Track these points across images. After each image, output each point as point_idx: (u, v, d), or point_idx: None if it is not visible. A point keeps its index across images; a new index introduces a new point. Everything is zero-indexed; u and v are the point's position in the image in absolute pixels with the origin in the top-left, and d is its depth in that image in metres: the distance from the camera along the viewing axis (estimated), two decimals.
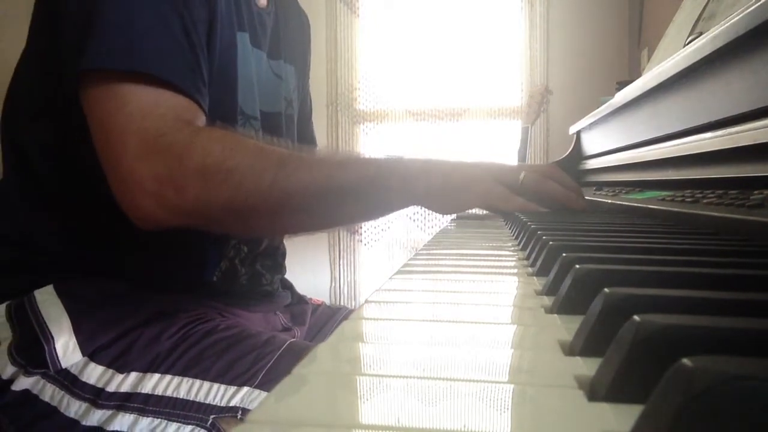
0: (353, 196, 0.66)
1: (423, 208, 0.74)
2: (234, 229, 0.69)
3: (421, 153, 0.74)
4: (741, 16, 0.55)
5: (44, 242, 0.73)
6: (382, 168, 0.68)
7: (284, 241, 0.95)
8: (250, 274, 0.85)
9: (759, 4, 0.51)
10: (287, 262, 0.97)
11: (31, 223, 0.73)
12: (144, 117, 0.61)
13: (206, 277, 0.79)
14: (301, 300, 0.98)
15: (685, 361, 0.14)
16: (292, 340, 0.72)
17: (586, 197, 1.11)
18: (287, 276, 1.00)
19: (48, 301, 0.68)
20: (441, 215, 1.05)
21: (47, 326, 0.67)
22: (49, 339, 0.66)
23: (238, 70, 0.76)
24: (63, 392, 0.66)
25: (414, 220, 3.03)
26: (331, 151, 0.76)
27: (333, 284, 3.06)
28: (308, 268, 2.97)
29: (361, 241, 3.06)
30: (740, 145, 0.57)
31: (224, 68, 0.73)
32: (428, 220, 3.02)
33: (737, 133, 0.58)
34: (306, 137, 1.07)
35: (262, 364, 0.66)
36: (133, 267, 0.74)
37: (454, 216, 0.91)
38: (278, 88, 0.89)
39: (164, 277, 0.76)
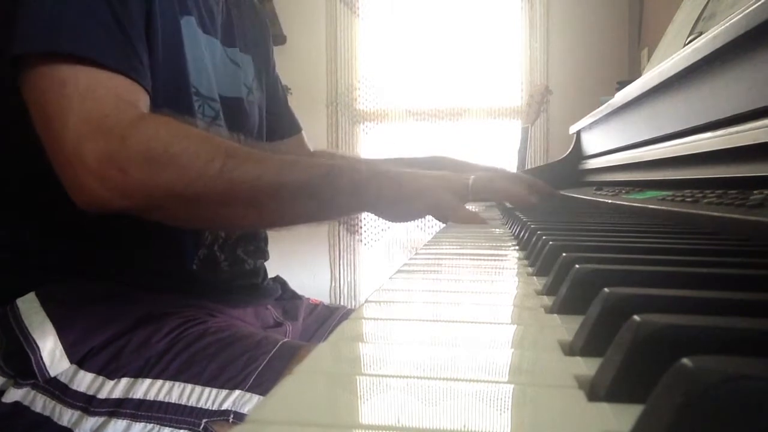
0: (302, 195, 0.65)
1: (373, 214, 0.74)
2: (179, 217, 0.68)
3: (409, 151, 0.72)
4: (741, 16, 0.55)
5: (20, 244, 0.72)
6: (333, 169, 0.67)
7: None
8: (231, 260, 0.84)
9: (759, 4, 0.51)
10: (286, 260, 0.97)
11: (4, 226, 0.73)
12: (83, 98, 0.61)
13: (186, 267, 0.78)
14: (293, 295, 0.98)
15: (685, 361, 0.14)
16: (285, 340, 0.71)
17: (586, 197, 1.11)
18: (284, 274, 1.00)
19: (30, 309, 0.68)
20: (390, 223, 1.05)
21: (31, 335, 0.66)
22: (35, 348, 0.65)
23: (185, 52, 0.75)
24: (54, 402, 0.65)
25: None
26: (281, 150, 0.75)
27: (333, 284, 3.06)
28: (308, 268, 2.97)
29: (361, 241, 3.06)
30: (740, 145, 0.57)
31: (171, 51, 0.73)
32: (428, 220, 3.01)
33: (737, 133, 0.58)
34: (286, 121, 1.07)
35: (254, 367, 0.66)
36: (110, 261, 0.74)
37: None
38: (236, 74, 0.88)
39: (143, 269, 0.75)
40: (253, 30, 0.96)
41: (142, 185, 0.61)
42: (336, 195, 0.67)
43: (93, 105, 0.61)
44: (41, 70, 0.61)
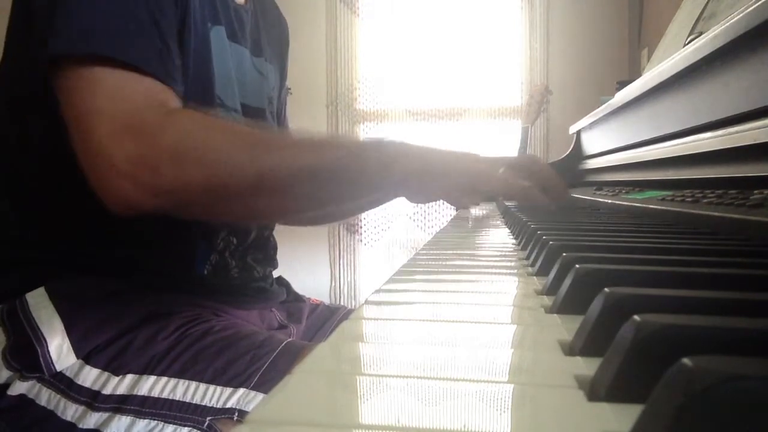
0: (330, 177, 0.65)
1: (400, 195, 0.73)
2: (211, 212, 0.68)
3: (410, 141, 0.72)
4: (741, 16, 0.55)
5: (33, 241, 0.73)
6: (359, 149, 0.67)
7: (274, 234, 0.95)
8: (241, 267, 0.85)
9: (759, 4, 0.51)
10: (287, 260, 0.96)
11: (18, 222, 0.73)
12: (113, 98, 0.61)
13: (197, 271, 0.78)
14: (297, 298, 0.98)
15: (685, 361, 0.14)
16: (289, 340, 0.72)
17: (586, 197, 1.11)
18: (285, 274, 1.00)
19: (39, 304, 0.68)
20: (420, 203, 1.03)
21: (39, 329, 0.66)
22: (42, 342, 0.66)
23: (213, 63, 0.75)
24: (59, 396, 0.65)
25: (414, 220, 3.03)
26: (308, 132, 0.73)
27: (333, 284, 3.06)
28: (308, 268, 2.97)
29: (361, 241, 3.06)
30: (740, 145, 0.57)
31: (200, 61, 0.73)
32: (428, 220, 3.02)
33: (737, 133, 0.58)
34: None
35: (258, 366, 0.66)
36: (123, 262, 0.74)
37: (453, 213, 0.91)
38: (262, 85, 0.88)
39: (154, 271, 0.75)
40: (275, 35, 0.96)
41: (174, 184, 0.61)
42: (363, 174, 0.67)
43: (121, 105, 0.61)
44: (74, 70, 0.61)
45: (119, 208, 0.62)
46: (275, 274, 0.98)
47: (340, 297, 3.05)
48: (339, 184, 0.67)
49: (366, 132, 3.04)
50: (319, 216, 1.10)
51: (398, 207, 3.03)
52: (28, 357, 0.66)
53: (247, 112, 0.83)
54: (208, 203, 0.65)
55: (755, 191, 0.53)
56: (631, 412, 0.16)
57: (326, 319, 0.97)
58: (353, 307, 2.35)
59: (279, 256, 0.97)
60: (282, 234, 0.97)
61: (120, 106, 0.61)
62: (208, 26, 0.75)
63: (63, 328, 0.67)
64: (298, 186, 0.65)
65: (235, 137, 0.64)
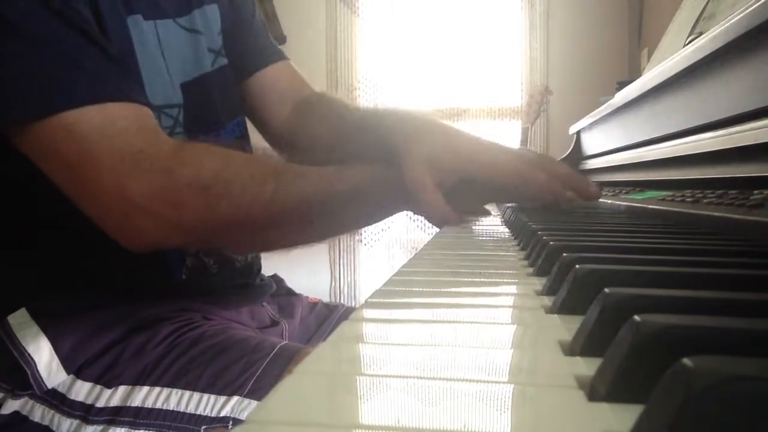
0: (354, 204, 0.65)
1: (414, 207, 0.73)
2: (237, 244, 0.66)
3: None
4: (741, 16, 0.55)
5: (8, 262, 0.71)
6: (377, 175, 0.66)
7: None
8: (220, 262, 0.82)
9: (759, 4, 0.51)
10: (287, 260, 0.96)
11: None
12: (107, 135, 0.56)
13: (175, 277, 0.76)
14: (289, 292, 0.97)
15: (685, 361, 0.14)
16: (282, 343, 0.70)
17: None
18: (284, 275, 0.99)
19: (23, 325, 0.67)
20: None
21: (26, 350, 0.65)
22: (31, 363, 0.65)
23: (139, 61, 0.68)
24: (53, 411, 0.65)
25: (414, 220, 3.03)
26: (320, 160, 0.69)
27: (333, 284, 3.06)
28: (308, 268, 2.97)
29: (361, 241, 3.06)
30: (740, 145, 0.57)
31: (124, 64, 0.66)
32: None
33: (737, 133, 0.58)
34: (267, 50, 0.95)
35: (251, 372, 0.65)
36: (99, 274, 0.72)
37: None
38: (197, 45, 0.78)
39: (132, 281, 0.73)
40: None
41: (199, 218, 0.58)
42: (385, 199, 0.67)
43: (121, 140, 0.56)
44: (46, 126, 0.56)
45: (140, 246, 0.60)
46: (272, 272, 0.97)
47: (340, 297, 3.05)
48: (364, 207, 0.66)
49: None
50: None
51: None
52: (18, 377, 0.65)
53: (188, 89, 0.76)
54: (234, 236, 0.62)
55: (755, 191, 0.53)
56: (631, 412, 0.16)
57: (325, 318, 0.96)
58: (353, 305, 2.35)
59: (279, 257, 0.96)
60: None
61: (120, 141, 0.56)
62: (125, 19, 0.67)
63: (50, 346, 0.66)
64: (324, 213, 0.63)
65: (256, 168, 0.61)
